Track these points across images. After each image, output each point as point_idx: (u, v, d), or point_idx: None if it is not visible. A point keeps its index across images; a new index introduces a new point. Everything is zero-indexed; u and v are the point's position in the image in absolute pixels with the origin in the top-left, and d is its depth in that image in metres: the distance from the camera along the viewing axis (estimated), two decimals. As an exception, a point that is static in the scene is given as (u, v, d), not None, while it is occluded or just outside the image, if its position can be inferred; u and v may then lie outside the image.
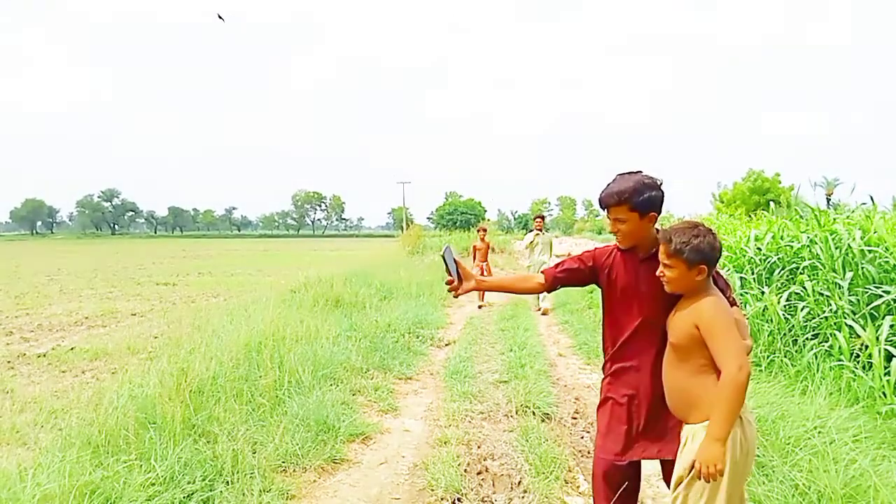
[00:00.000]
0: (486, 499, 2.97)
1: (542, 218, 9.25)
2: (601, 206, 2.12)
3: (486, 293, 9.74)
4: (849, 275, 4.33)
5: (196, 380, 3.71)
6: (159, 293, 12.81)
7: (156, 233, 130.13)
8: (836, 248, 4.61)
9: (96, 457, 2.80)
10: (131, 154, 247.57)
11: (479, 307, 9.57)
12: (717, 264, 1.90)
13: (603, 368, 2.29)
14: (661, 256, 1.92)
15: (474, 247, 10.23)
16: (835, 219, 5.21)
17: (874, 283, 4.28)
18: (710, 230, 1.88)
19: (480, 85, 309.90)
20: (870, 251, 4.49)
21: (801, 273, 4.93)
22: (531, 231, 9.40)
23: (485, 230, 10.36)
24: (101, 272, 19.42)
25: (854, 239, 4.55)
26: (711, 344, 1.78)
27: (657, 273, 1.94)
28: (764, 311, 4.78)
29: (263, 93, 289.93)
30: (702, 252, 1.83)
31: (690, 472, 1.82)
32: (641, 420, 2.14)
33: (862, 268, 4.37)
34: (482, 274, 9.18)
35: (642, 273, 2.11)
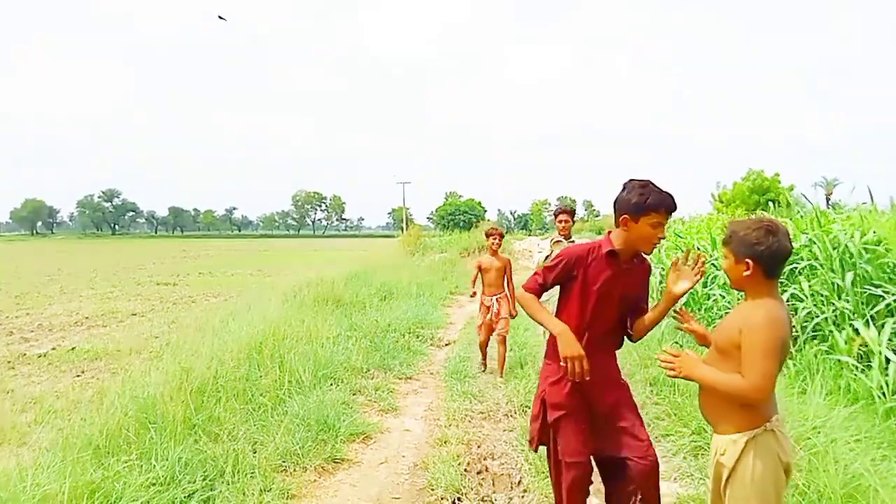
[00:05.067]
0: (486, 498, 2.98)
1: (572, 213, 5.26)
2: (671, 211, 2.11)
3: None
4: (849, 275, 4.32)
5: (197, 380, 3.72)
6: (160, 293, 12.82)
7: (156, 233, 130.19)
8: (834, 249, 4.60)
9: (97, 457, 2.80)
10: (132, 154, 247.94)
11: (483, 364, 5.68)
12: (775, 266, 1.72)
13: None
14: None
15: (479, 266, 5.51)
16: (833, 219, 5.20)
17: (873, 283, 4.27)
18: (770, 228, 1.71)
19: (480, 85, 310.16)
20: (869, 251, 4.47)
21: (800, 273, 4.93)
22: (548, 238, 5.60)
23: (500, 235, 5.58)
24: (101, 272, 19.42)
25: (853, 239, 4.53)
26: (745, 353, 1.65)
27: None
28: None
29: (264, 93, 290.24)
30: (747, 244, 1.70)
31: (725, 481, 1.74)
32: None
33: (861, 268, 4.36)
34: (493, 316, 5.36)
35: (622, 278, 2.19)
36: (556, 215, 5.28)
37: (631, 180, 2.14)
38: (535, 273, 2.29)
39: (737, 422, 1.72)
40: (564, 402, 2.21)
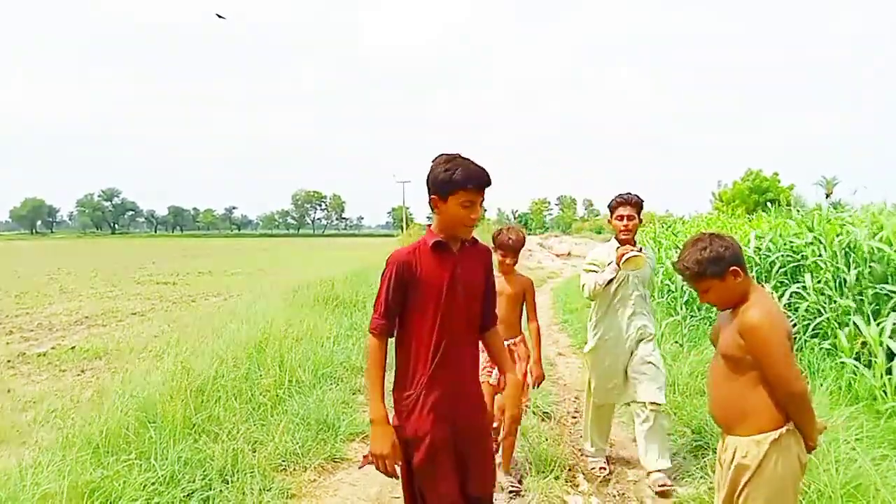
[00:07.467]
0: (486, 498, 2.96)
1: (639, 206, 3.15)
2: (483, 186, 1.84)
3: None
4: (854, 272, 4.28)
5: (197, 379, 3.71)
6: (160, 292, 12.80)
7: (156, 232, 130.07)
8: (843, 248, 4.57)
9: (96, 456, 2.80)
10: (132, 154, 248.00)
11: None
12: (743, 259, 1.81)
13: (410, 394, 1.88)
14: (693, 287, 1.87)
15: None
16: (843, 219, 5.16)
17: (878, 281, 4.25)
18: (712, 234, 1.84)
19: (480, 85, 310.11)
20: (876, 249, 4.44)
21: (803, 272, 4.91)
22: (605, 246, 3.36)
23: (516, 251, 3.00)
24: (101, 271, 19.40)
25: (863, 237, 4.50)
26: (763, 357, 1.69)
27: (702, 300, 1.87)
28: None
29: (264, 92, 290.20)
30: (721, 256, 1.76)
31: (744, 482, 1.74)
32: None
33: (869, 266, 4.33)
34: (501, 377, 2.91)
35: (457, 266, 1.91)
36: (614, 209, 3.17)
37: (439, 155, 1.87)
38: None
39: (759, 423, 1.73)
40: (429, 436, 1.82)
